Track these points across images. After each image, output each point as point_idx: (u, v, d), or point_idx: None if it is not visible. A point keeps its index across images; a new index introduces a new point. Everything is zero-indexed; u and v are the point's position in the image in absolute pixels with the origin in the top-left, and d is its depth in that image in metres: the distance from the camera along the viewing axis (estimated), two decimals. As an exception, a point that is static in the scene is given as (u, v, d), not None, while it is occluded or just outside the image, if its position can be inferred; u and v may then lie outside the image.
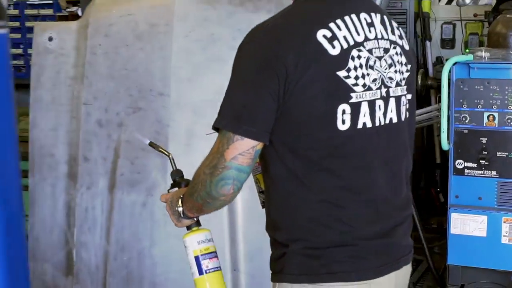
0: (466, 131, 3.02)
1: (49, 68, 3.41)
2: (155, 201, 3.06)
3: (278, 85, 1.58)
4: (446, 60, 3.18)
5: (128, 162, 3.13)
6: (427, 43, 5.44)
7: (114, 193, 3.16)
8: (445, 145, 3.04)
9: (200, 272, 1.88)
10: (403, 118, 1.79)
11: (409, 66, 1.81)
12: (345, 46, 1.63)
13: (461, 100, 3.00)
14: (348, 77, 1.62)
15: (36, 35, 3.47)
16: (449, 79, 3.05)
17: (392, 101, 1.74)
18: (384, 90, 1.71)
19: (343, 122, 1.62)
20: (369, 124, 1.67)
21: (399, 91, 1.76)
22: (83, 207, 3.26)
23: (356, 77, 1.63)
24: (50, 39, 3.40)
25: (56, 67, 3.38)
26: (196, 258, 1.88)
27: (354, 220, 1.69)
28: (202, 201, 1.69)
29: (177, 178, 2.00)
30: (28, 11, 7.49)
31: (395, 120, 1.75)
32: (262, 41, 1.63)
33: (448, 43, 5.60)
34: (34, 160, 3.43)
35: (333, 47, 1.61)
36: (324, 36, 1.60)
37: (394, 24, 1.81)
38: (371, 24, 1.71)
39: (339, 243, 1.69)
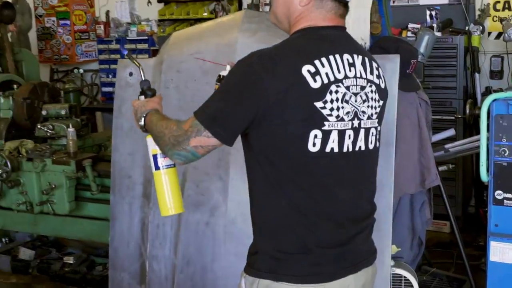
0: (505, 164, 2.92)
1: (129, 99, 3.48)
2: (216, 221, 3.09)
3: (256, 107, 1.70)
4: (494, 90, 3.08)
5: (194, 185, 3.18)
6: (476, 75, 5.32)
7: (181, 213, 3.18)
8: (484, 177, 2.96)
9: (157, 167, 2.07)
10: (371, 147, 1.89)
11: (381, 102, 1.91)
12: (325, 81, 1.73)
13: (500, 135, 2.90)
14: (324, 108, 1.72)
15: (118, 70, 3.57)
16: (489, 113, 2.94)
17: (362, 132, 1.84)
18: (356, 122, 1.81)
19: (314, 144, 1.74)
20: (336, 150, 1.78)
21: (369, 123, 1.86)
22: (155, 224, 3.32)
23: (331, 109, 1.74)
24: (131, 74, 3.49)
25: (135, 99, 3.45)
26: (154, 156, 2.05)
27: (316, 229, 1.80)
28: (157, 145, 1.91)
29: (145, 87, 2.12)
30: (128, 46, 7.81)
31: (363, 148, 1.85)
32: (253, 65, 1.73)
33: (496, 74, 5.49)
34: (115, 181, 3.51)
35: (315, 81, 1.71)
36: (308, 71, 1.71)
37: (375, 65, 1.90)
38: (352, 64, 1.81)
39: (302, 250, 1.80)
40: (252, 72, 1.71)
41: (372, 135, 1.88)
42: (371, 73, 1.87)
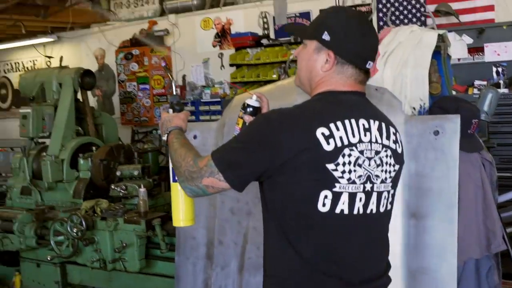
0: None
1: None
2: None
3: (269, 161, 1.73)
4: None
5: (254, 247, 3.11)
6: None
7: (242, 274, 3.13)
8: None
9: (174, 180, 2.15)
10: (382, 210, 1.87)
11: (397, 167, 1.90)
12: (339, 144, 1.74)
13: None
14: (335, 170, 1.73)
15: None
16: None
17: (374, 195, 1.82)
18: (368, 185, 1.80)
19: (324, 205, 1.74)
20: (346, 211, 1.77)
21: (382, 187, 1.85)
22: (217, 285, 3.26)
23: (343, 171, 1.74)
24: (195, 137, 3.51)
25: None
26: (173, 169, 2.06)
27: (321, 284, 1.78)
28: (174, 170, 1.95)
29: (174, 102, 2.20)
30: (202, 107, 7.98)
31: (374, 211, 1.83)
32: (272, 121, 1.76)
33: None
34: (180, 241, 3.50)
35: (328, 143, 1.72)
36: (323, 134, 1.72)
37: (392, 130, 1.90)
38: (367, 129, 1.81)
39: None
40: (270, 127, 1.75)
41: (385, 198, 1.87)
42: (387, 138, 1.87)
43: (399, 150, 1.92)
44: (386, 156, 1.85)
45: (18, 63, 11.28)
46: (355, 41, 1.83)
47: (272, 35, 7.89)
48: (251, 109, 2.14)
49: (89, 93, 9.48)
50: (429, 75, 3.10)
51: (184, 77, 8.79)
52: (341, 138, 1.74)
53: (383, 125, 1.87)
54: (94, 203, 4.58)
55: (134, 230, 4.25)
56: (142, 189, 4.40)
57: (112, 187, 4.62)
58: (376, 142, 1.82)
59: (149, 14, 9.44)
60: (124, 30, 9.30)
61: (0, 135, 10.91)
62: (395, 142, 1.90)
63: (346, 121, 1.77)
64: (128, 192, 4.59)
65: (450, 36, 5.52)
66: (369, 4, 7.22)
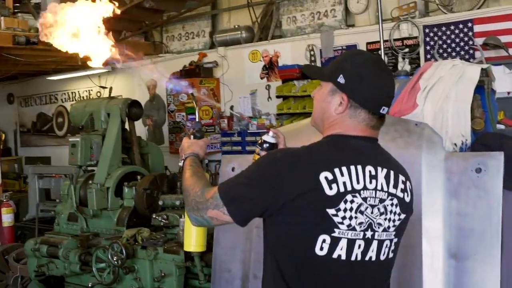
0: None
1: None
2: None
3: (271, 199, 1.71)
4: None
5: (288, 283, 2.99)
6: None
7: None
8: None
9: None
10: (382, 258, 1.81)
11: (402, 216, 1.84)
12: (342, 189, 1.70)
13: None
14: (336, 215, 1.69)
15: (222, 165, 3.57)
16: None
17: (375, 243, 1.77)
18: (369, 233, 1.75)
19: (321, 249, 1.71)
20: (343, 257, 1.73)
21: (384, 235, 1.79)
22: (251, 320, 3.15)
23: (343, 217, 1.70)
24: (233, 169, 3.47)
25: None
26: None
27: None
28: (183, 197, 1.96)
29: (195, 128, 2.24)
30: (248, 138, 7.98)
31: (374, 258, 1.78)
32: (277, 161, 1.75)
33: None
34: (216, 274, 3.44)
35: (330, 188, 1.69)
36: (326, 178, 1.69)
37: (401, 179, 1.85)
38: (373, 177, 1.77)
39: None
40: (274, 167, 1.74)
41: (386, 246, 1.81)
42: (395, 186, 1.82)
43: (407, 199, 1.86)
44: (392, 204, 1.80)
45: (75, 92, 11.60)
46: (369, 86, 1.80)
47: (318, 68, 7.84)
48: (267, 145, 2.13)
49: (139, 122, 9.65)
50: (472, 110, 2.98)
51: (231, 108, 8.82)
52: (344, 183, 1.71)
53: (392, 173, 1.83)
54: (136, 231, 4.57)
55: (174, 260, 4.21)
56: (183, 219, 4.36)
57: (154, 216, 4.61)
58: (382, 190, 1.78)
59: (199, 46, 9.57)
60: (175, 62, 9.43)
61: (56, 162, 11.18)
62: (403, 190, 1.84)
63: (352, 167, 1.74)
64: (169, 221, 4.56)
65: (499, 69, 5.35)
66: (416, 37, 7.09)
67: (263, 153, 2.11)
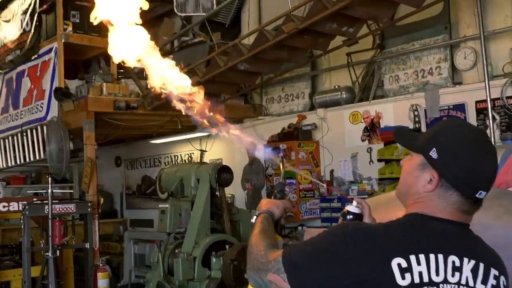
0: None
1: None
2: None
3: (332, 276, 1.55)
4: None
5: None
6: None
7: None
8: None
9: None
10: None
11: None
12: (416, 281, 1.50)
13: None
14: None
15: (304, 238, 3.31)
16: None
17: None
18: None
19: None
20: None
21: None
22: None
23: None
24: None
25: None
26: None
27: None
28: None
29: (277, 189, 2.21)
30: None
31: None
32: (347, 235, 1.58)
33: None
34: None
35: (403, 278, 1.50)
36: (399, 265, 1.50)
37: (493, 273, 1.59)
38: (457, 269, 1.55)
39: None
40: (342, 242, 1.57)
41: None
42: (484, 282, 1.57)
43: None
44: None
45: (177, 156, 11.86)
46: (465, 166, 1.57)
47: (423, 129, 7.43)
48: (351, 216, 1.96)
49: (237, 186, 9.61)
50: None
51: (331, 172, 8.55)
52: (420, 274, 1.50)
53: (481, 265, 1.57)
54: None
55: None
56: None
57: (239, 291, 4.40)
58: (467, 285, 1.55)
59: (299, 108, 9.48)
60: (274, 124, 9.38)
61: (158, 225, 11.36)
62: (496, 286, 1.59)
63: (432, 255, 1.53)
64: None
65: None
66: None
67: None
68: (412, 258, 1.51)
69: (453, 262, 1.54)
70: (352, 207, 1.97)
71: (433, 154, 1.60)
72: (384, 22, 6.82)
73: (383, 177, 7.41)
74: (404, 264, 1.50)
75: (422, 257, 1.52)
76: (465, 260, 1.56)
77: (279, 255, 1.67)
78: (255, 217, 2.06)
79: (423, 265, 1.51)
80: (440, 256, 1.53)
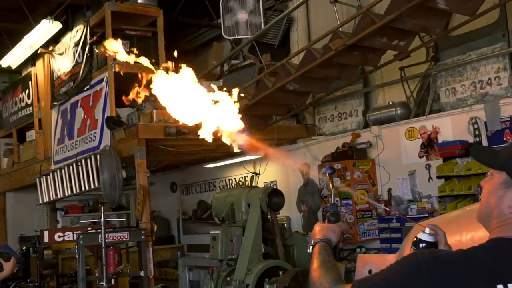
0: None
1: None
2: None
3: None
4: None
5: None
6: None
7: None
8: None
9: None
10: None
11: None
12: None
13: None
14: None
15: (358, 266, 3.33)
16: None
17: None
18: None
19: None
20: None
21: None
22: None
23: None
24: (370, 271, 3.06)
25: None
26: None
27: None
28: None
29: (330, 212, 2.10)
30: (408, 224, 7.39)
31: None
32: (421, 264, 1.46)
33: None
34: None
35: None
36: None
37: None
38: None
39: None
40: (417, 271, 1.47)
41: None
42: None
43: None
44: None
45: (231, 179, 11.82)
46: None
47: (484, 142, 7.11)
48: (424, 244, 1.79)
49: (294, 209, 9.48)
50: None
51: (389, 191, 8.29)
52: None
53: None
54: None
55: None
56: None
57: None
58: None
59: (352, 126, 9.29)
60: (328, 144, 9.21)
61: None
62: None
63: None
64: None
65: None
66: None
67: None
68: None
69: None
70: (424, 235, 1.80)
71: None
72: (436, 33, 6.60)
73: (444, 195, 7.10)
74: None
75: (511, 286, 1.40)
76: None
77: None
78: (311, 247, 1.97)
79: None
80: None
